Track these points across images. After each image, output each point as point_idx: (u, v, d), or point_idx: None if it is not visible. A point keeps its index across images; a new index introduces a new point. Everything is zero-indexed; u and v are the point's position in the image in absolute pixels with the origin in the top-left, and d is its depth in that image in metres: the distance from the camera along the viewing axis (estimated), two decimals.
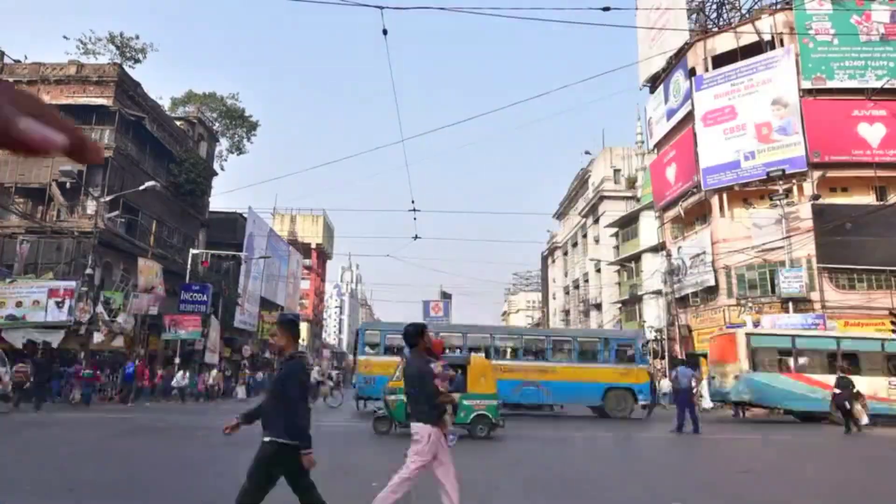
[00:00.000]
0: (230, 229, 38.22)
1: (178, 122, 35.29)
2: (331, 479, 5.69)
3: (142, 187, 23.60)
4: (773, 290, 26.28)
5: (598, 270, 46.26)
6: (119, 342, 24.33)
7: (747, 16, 30.65)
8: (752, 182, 27.55)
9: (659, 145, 35.20)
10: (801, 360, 18.00)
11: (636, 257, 39.55)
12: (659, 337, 31.05)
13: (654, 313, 36.07)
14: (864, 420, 15.60)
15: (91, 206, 24.55)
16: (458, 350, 18.38)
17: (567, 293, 56.95)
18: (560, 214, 61.98)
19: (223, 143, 43.42)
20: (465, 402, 11.79)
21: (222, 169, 47.04)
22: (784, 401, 17.77)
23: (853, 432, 14.41)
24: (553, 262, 63.84)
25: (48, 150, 0.69)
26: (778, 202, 25.29)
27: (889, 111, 26.13)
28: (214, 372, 28.86)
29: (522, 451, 10.57)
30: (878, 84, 26.20)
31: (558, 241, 61.65)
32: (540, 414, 19.71)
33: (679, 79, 31.58)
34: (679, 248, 31.44)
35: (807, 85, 26.83)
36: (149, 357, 28.06)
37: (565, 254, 59.00)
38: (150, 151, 30.23)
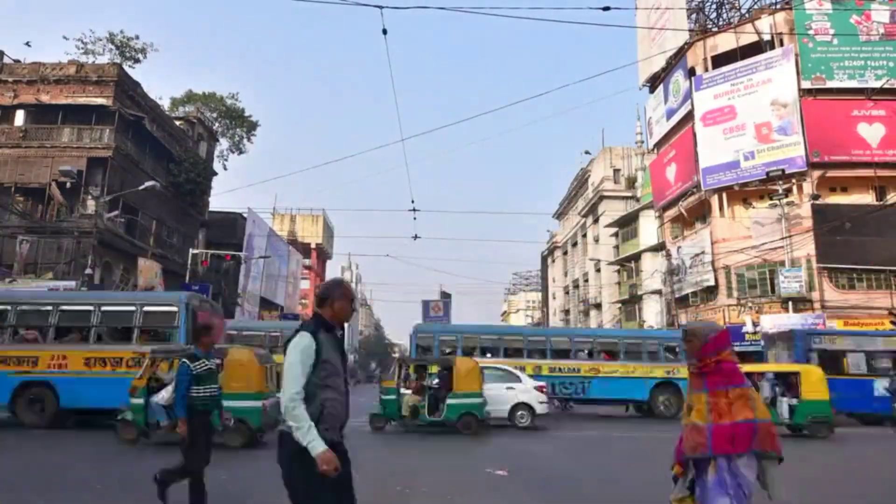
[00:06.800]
0: (230, 229, 38.19)
1: (177, 122, 35.28)
2: None
3: (141, 187, 23.58)
4: (772, 290, 26.28)
5: (598, 270, 46.27)
6: None
7: (747, 15, 30.64)
8: (751, 182, 27.54)
9: (659, 145, 35.21)
10: None
11: (636, 257, 39.57)
12: None
13: (653, 313, 36.08)
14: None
15: (91, 206, 24.53)
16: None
17: (567, 293, 56.96)
18: (560, 214, 61.99)
19: (223, 143, 43.45)
20: (452, 402, 12.39)
21: (225, 169, 47.03)
22: None
23: None
24: (553, 261, 63.87)
25: None
26: (778, 202, 25.29)
27: (888, 111, 26.12)
28: None
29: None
30: (877, 84, 26.20)
31: (558, 241, 61.67)
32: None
33: (679, 79, 31.59)
34: (679, 247, 31.44)
35: (806, 85, 26.81)
36: None
37: (565, 254, 59.01)
38: (150, 151, 30.22)
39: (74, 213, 25.75)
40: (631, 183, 44.73)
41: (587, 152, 50.85)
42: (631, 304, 40.58)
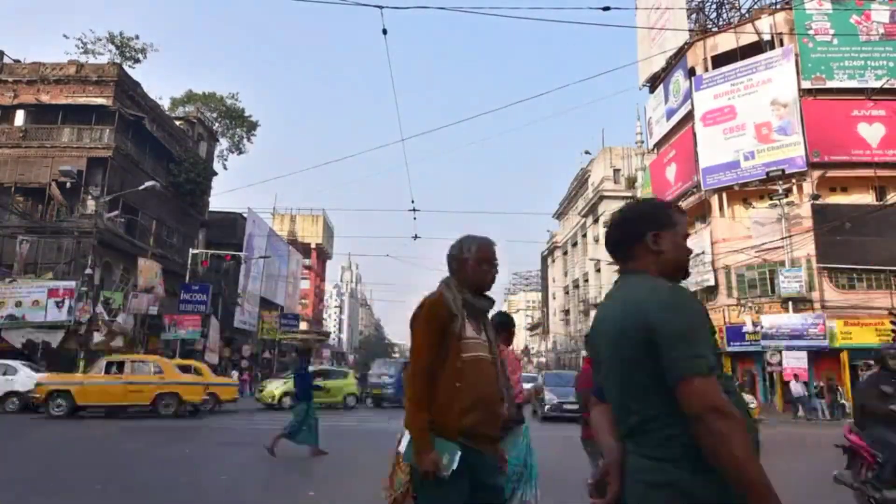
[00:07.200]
0: (230, 229, 38.21)
1: (177, 122, 35.31)
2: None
3: (141, 187, 23.60)
4: (772, 290, 26.28)
5: (598, 270, 46.27)
6: (119, 342, 24.33)
7: (747, 15, 30.64)
8: (751, 182, 27.54)
9: (658, 145, 35.22)
10: None
11: None
12: None
13: None
14: None
15: (91, 206, 24.55)
16: None
17: (567, 293, 56.97)
18: (560, 214, 62.03)
19: (223, 143, 43.50)
20: None
21: (225, 168, 47.09)
22: None
23: None
24: (553, 261, 63.91)
25: None
26: (778, 202, 25.29)
27: (889, 111, 26.11)
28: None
29: None
30: (877, 84, 26.18)
31: (558, 241, 61.70)
32: None
33: (679, 79, 31.59)
34: None
35: (806, 85, 26.80)
36: None
37: (565, 253, 59.04)
38: (150, 151, 30.24)
39: (74, 213, 25.77)
40: (631, 183, 44.72)
41: (587, 152, 50.94)
42: None
